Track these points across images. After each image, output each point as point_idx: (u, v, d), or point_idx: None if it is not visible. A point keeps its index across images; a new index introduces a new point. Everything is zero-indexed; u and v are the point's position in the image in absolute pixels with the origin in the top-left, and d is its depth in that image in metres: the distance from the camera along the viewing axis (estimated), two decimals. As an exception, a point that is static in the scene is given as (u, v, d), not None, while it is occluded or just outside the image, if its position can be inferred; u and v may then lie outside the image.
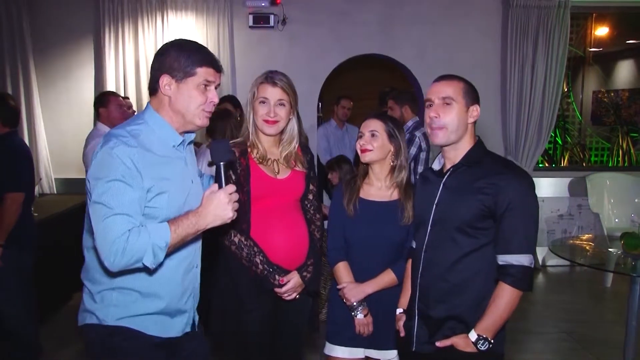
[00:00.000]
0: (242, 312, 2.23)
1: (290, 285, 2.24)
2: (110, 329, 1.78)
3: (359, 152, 2.36)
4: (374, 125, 2.34)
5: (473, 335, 1.87)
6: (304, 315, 2.42)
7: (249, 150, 2.28)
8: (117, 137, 1.70)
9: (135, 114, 4.62)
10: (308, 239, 2.33)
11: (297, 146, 2.36)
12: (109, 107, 3.96)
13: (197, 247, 1.96)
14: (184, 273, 1.88)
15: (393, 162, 2.35)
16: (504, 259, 1.86)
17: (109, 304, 1.78)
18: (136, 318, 1.78)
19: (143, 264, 1.63)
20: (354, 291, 2.32)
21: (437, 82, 1.99)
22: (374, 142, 2.32)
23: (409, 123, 4.26)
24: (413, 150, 4.10)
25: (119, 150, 1.65)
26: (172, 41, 1.88)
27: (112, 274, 1.73)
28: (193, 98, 1.78)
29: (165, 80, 1.77)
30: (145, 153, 1.71)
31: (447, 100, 1.92)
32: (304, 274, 2.28)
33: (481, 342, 1.86)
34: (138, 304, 1.78)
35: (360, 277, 2.34)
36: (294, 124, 2.34)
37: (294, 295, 2.27)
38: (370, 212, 2.34)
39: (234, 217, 1.78)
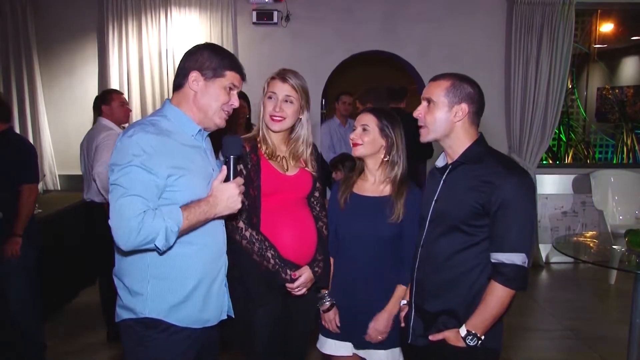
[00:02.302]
0: (251, 307, 2.23)
1: (302, 280, 2.23)
2: (146, 321, 1.82)
3: (351, 146, 2.36)
4: (366, 120, 2.33)
5: (463, 331, 1.89)
6: (312, 312, 2.42)
7: (258, 145, 2.29)
8: (136, 125, 1.80)
9: (131, 109, 4.67)
10: (316, 235, 2.34)
11: (306, 148, 2.35)
12: (111, 104, 3.99)
13: (223, 233, 2.03)
14: (214, 259, 1.95)
15: (385, 157, 2.34)
16: (496, 257, 1.86)
17: (146, 298, 1.82)
18: (171, 309, 1.83)
19: (155, 245, 1.70)
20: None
21: (429, 82, 2.02)
22: (364, 136, 2.31)
23: None
24: None
25: (137, 137, 1.74)
26: (206, 43, 2.02)
27: (146, 268, 1.81)
28: (217, 97, 1.90)
29: (194, 76, 1.89)
30: (165, 139, 1.79)
31: (428, 100, 1.97)
32: (315, 269, 2.28)
33: (470, 337, 1.87)
34: (173, 294, 1.84)
35: (351, 271, 2.33)
36: (303, 123, 2.34)
37: (303, 290, 2.26)
38: (360, 207, 2.33)
39: (240, 208, 1.91)
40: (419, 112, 1.99)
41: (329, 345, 2.41)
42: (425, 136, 2.00)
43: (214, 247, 1.95)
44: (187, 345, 1.88)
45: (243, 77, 1.98)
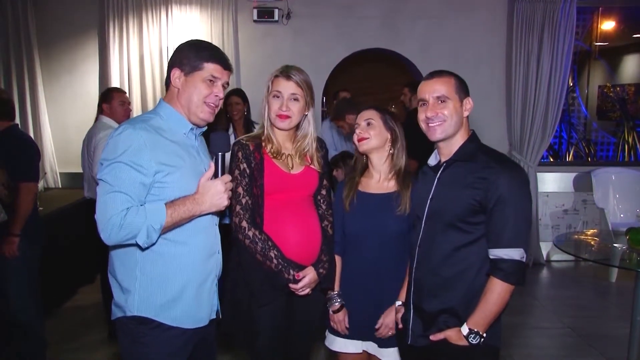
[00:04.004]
0: (255, 306, 2.21)
1: (306, 281, 2.20)
2: (137, 319, 1.83)
3: (356, 143, 2.35)
4: (369, 115, 2.34)
5: (465, 329, 1.88)
6: (316, 312, 2.40)
7: (263, 144, 2.26)
8: (127, 122, 1.82)
9: (131, 108, 4.67)
10: (321, 235, 2.31)
11: (312, 144, 2.33)
12: (112, 102, 3.98)
13: (216, 233, 2.02)
14: (205, 259, 1.94)
15: (390, 149, 2.34)
16: (494, 253, 1.86)
17: (134, 295, 1.82)
18: (161, 308, 1.83)
19: (136, 241, 1.72)
20: None
21: (429, 80, 1.99)
22: (370, 130, 2.31)
23: None
24: None
25: (125, 134, 1.75)
26: (189, 40, 2.01)
27: (134, 265, 1.82)
28: (198, 90, 1.88)
29: (175, 73, 1.90)
30: (154, 136, 1.79)
31: (441, 98, 1.94)
32: (320, 270, 2.25)
33: (472, 335, 1.87)
34: (162, 293, 1.84)
35: (360, 269, 2.32)
36: (309, 120, 2.31)
37: (307, 290, 2.23)
38: (367, 205, 2.32)
39: (228, 205, 1.90)
40: (433, 112, 1.94)
41: (338, 343, 2.40)
42: (443, 131, 1.95)
43: (204, 247, 1.94)
44: (182, 342, 1.88)
45: (226, 67, 1.93)
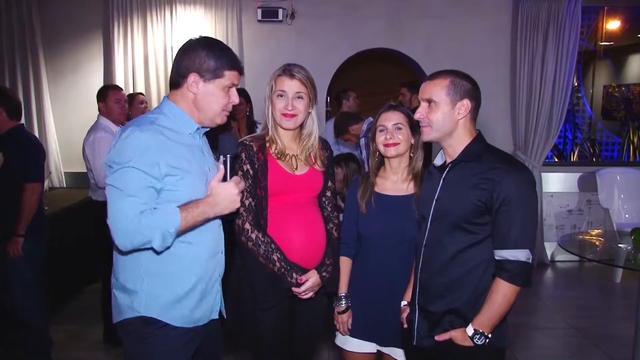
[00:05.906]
0: (258, 309, 2.20)
1: (309, 285, 2.18)
2: (143, 320, 1.82)
3: (380, 147, 2.30)
4: (397, 118, 2.29)
5: (470, 330, 1.88)
6: (320, 315, 2.39)
7: (267, 145, 2.24)
8: (133, 124, 1.79)
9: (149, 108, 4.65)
10: (325, 237, 2.29)
11: (316, 143, 2.31)
12: (107, 101, 3.87)
13: (220, 233, 2.01)
14: (208, 259, 1.94)
15: (413, 154, 2.33)
16: (500, 254, 1.85)
17: (140, 296, 1.82)
18: (165, 308, 1.83)
19: (152, 246, 1.70)
20: None
21: (425, 82, 1.99)
22: (399, 135, 2.28)
23: (364, 127, 4.39)
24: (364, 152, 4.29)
25: (132, 138, 1.73)
26: (199, 39, 1.92)
27: (139, 266, 1.82)
28: (218, 98, 1.87)
29: (192, 79, 1.84)
30: (162, 138, 1.78)
31: (429, 101, 1.94)
32: (323, 274, 2.23)
33: (477, 336, 1.86)
34: (166, 293, 1.83)
35: (375, 271, 2.30)
36: (313, 117, 2.29)
37: (310, 294, 2.22)
38: (385, 207, 2.30)
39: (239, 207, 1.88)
40: (421, 114, 1.95)
41: (351, 343, 2.38)
42: (428, 135, 1.97)
43: (210, 247, 1.94)
44: (187, 339, 1.89)
45: (241, 71, 1.93)
